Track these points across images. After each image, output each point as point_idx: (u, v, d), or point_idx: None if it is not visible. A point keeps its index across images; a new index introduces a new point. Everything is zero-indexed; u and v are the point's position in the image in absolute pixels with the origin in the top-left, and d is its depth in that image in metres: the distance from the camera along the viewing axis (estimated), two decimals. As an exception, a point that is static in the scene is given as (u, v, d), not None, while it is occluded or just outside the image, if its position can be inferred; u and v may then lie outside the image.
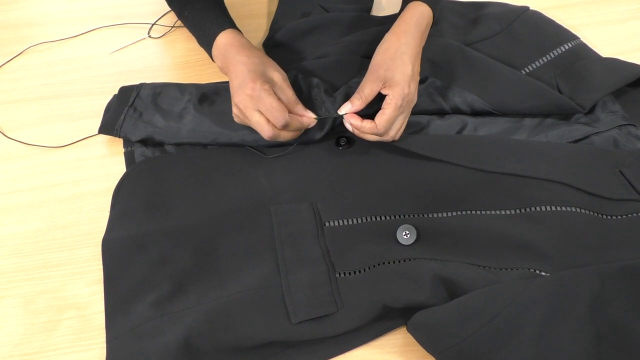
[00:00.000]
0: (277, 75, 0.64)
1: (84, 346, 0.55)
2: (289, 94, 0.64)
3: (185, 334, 0.52)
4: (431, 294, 0.54)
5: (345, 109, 0.64)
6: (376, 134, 0.63)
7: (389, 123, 0.62)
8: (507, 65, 0.74)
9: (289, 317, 0.54)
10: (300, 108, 0.65)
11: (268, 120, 0.61)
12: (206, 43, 0.70)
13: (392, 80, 0.62)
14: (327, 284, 0.56)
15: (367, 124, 0.62)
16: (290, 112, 0.63)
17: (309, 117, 0.65)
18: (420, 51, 0.68)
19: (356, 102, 0.63)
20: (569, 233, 0.58)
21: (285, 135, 0.63)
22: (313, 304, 0.54)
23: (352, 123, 0.63)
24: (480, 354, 0.49)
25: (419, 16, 0.68)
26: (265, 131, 0.61)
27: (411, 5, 0.70)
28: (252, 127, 0.63)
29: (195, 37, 0.72)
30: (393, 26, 0.68)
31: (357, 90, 0.64)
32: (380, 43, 0.67)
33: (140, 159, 0.69)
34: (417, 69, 0.66)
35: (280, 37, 0.82)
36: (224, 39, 0.68)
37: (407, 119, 0.65)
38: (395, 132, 0.64)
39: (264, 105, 0.61)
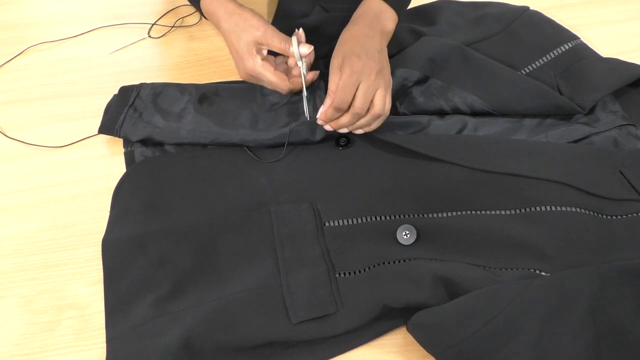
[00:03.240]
0: (260, 32, 0.67)
1: (84, 346, 0.55)
2: (277, 44, 0.67)
3: (185, 334, 0.52)
4: (431, 294, 0.54)
5: (319, 112, 0.64)
6: (339, 107, 0.61)
7: (344, 88, 0.61)
8: (507, 65, 0.74)
9: (289, 317, 0.54)
10: (290, 49, 0.67)
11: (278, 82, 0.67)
12: (195, 5, 0.74)
13: (347, 54, 0.63)
14: (327, 284, 0.56)
15: (326, 107, 0.62)
16: (286, 53, 0.68)
17: (304, 54, 0.67)
18: (378, 34, 0.68)
19: (326, 101, 0.63)
20: (569, 233, 0.58)
21: (298, 83, 0.68)
22: (313, 304, 0.54)
23: (319, 117, 0.64)
24: (480, 354, 0.49)
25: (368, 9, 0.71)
26: (282, 91, 0.69)
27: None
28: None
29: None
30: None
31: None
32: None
33: (140, 159, 0.69)
34: (376, 46, 0.66)
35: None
36: (206, 3, 0.71)
37: (380, 91, 0.63)
38: (363, 101, 0.61)
39: (266, 82, 0.69)
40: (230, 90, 0.74)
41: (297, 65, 0.68)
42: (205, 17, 0.74)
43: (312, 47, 0.67)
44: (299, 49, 0.66)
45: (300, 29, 0.69)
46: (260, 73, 0.67)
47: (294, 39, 0.66)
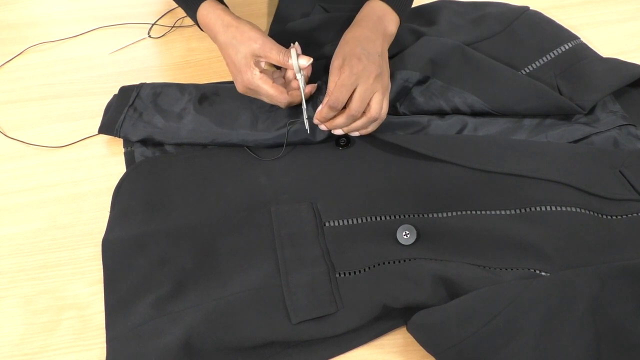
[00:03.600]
0: (258, 45, 0.65)
1: (84, 346, 0.55)
2: (275, 56, 0.65)
3: (185, 334, 0.52)
4: (431, 294, 0.54)
5: (316, 112, 0.64)
6: (333, 106, 0.61)
7: (341, 87, 0.61)
8: (507, 65, 0.74)
9: (289, 317, 0.54)
10: (289, 61, 0.65)
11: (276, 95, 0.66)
12: (191, 16, 0.73)
13: (348, 56, 0.63)
14: (327, 284, 0.56)
15: (322, 106, 0.62)
16: (285, 65, 0.66)
17: (303, 66, 0.66)
18: (380, 37, 0.68)
19: (324, 100, 0.62)
20: (569, 233, 0.58)
21: (297, 96, 0.67)
22: (313, 304, 0.54)
23: (317, 117, 0.64)
24: (480, 354, 0.49)
25: (371, 10, 0.70)
26: (281, 104, 0.67)
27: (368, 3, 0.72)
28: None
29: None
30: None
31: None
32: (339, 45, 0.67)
33: (140, 159, 0.69)
34: (377, 48, 0.65)
35: (280, 38, 0.82)
36: (203, 15, 0.70)
37: (377, 94, 0.63)
38: (359, 103, 0.61)
39: (264, 95, 0.67)
40: (230, 91, 0.74)
41: (296, 78, 0.67)
42: (201, 29, 0.73)
43: (311, 60, 0.66)
44: (298, 61, 0.65)
45: (297, 43, 0.68)
46: (258, 86, 0.65)
47: (292, 51, 0.65)
